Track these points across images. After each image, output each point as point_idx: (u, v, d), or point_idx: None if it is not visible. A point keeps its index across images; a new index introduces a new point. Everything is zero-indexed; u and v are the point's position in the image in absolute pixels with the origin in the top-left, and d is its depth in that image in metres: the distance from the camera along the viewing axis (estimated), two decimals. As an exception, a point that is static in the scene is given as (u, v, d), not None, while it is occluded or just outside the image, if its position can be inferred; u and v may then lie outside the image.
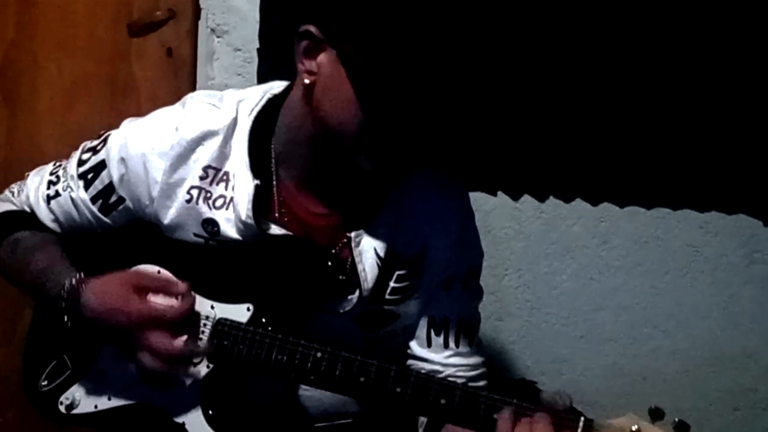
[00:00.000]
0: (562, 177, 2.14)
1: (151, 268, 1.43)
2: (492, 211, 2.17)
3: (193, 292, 1.35)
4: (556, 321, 2.23)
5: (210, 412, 1.36)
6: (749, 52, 2.03)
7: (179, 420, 1.37)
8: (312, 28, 1.26)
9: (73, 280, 1.37)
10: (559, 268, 2.20)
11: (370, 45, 1.21)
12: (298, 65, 1.29)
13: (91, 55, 2.18)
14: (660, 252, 2.19)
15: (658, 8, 2.02)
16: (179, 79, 2.16)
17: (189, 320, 1.34)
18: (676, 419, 1.11)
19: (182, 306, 1.32)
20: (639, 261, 2.20)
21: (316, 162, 1.37)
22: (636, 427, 1.10)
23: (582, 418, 1.16)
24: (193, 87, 2.15)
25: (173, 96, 2.12)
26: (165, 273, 1.39)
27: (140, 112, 2.07)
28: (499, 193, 2.17)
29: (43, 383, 1.48)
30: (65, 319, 1.37)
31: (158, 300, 1.33)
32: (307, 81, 1.28)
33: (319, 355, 1.29)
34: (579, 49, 2.05)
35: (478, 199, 2.15)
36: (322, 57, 1.26)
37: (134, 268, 1.41)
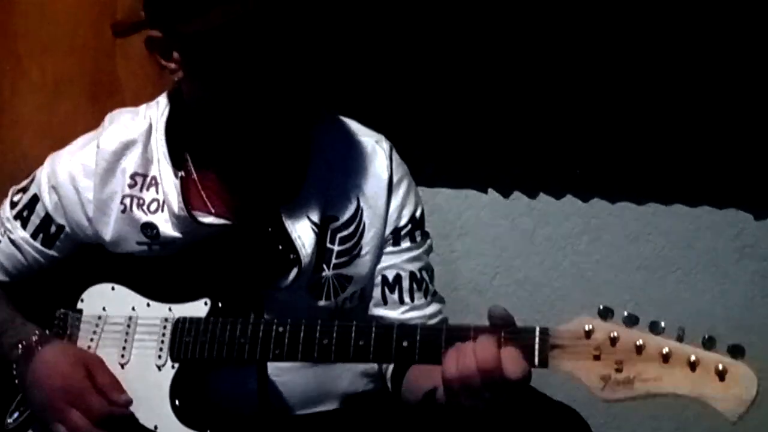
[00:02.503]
0: (552, 173, 2.14)
1: (104, 288, 1.45)
2: (483, 208, 2.17)
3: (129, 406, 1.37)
4: (549, 319, 2.19)
5: (182, 411, 1.36)
6: (738, 49, 2.04)
7: (151, 425, 1.37)
8: (152, 33, 1.36)
9: (33, 338, 1.40)
10: (551, 265, 2.19)
11: (191, 17, 1.28)
12: (162, 70, 1.39)
13: (74, 55, 2.15)
14: (651, 247, 2.20)
15: (642, 4, 2.02)
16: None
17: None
18: (626, 312, 1.14)
19: (116, 412, 1.35)
20: (631, 257, 2.20)
21: (226, 144, 1.43)
22: (589, 326, 1.13)
23: (537, 328, 1.17)
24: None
25: (157, 96, 2.11)
26: (114, 378, 1.39)
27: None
28: (490, 190, 2.16)
29: (8, 420, 1.46)
30: (13, 372, 1.40)
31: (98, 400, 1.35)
32: (176, 78, 1.38)
33: (281, 329, 1.31)
34: (568, 48, 2.05)
35: (468, 196, 2.16)
36: (175, 53, 1.36)
37: (95, 354, 1.42)
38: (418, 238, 1.54)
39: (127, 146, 1.46)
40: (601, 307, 1.14)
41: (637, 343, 1.10)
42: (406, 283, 1.52)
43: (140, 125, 1.48)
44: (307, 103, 1.42)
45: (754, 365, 1.07)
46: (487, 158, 2.12)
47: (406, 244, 1.52)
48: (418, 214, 1.55)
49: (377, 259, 1.51)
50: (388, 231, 1.51)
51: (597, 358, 1.11)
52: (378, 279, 1.52)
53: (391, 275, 1.52)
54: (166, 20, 1.33)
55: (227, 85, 1.33)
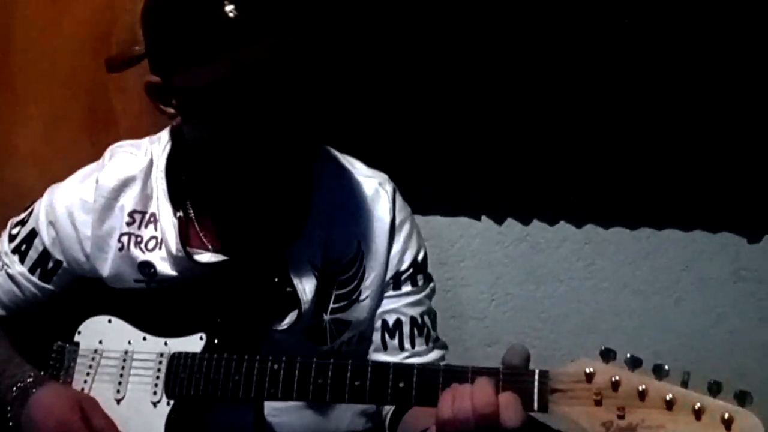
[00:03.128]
0: (545, 200, 2.14)
1: (101, 321, 1.45)
2: (477, 235, 2.17)
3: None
4: (545, 345, 2.22)
5: None
6: (728, 78, 2.05)
7: None
8: (151, 78, 1.33)
9: (28, 379, 1.39)
10: (547, 292, 2.19)
11: (190, 66, 1.26)
12: (161, 114, 1.37)
13: (71, 89, 2.17)
14: (646, 272, 2.19)
15: (632, 35, 2.04)
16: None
17: None
18: (628, 355, 1.10)
19: None
20: (626, 282, 2.20)
21: (227, 183, 1.41)
22: (590, 369, 1.09)
23: (537, 371, 1.14)
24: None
25: (153, 130, 2.12)
26: (109, 420, 1.38)
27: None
28: (483, 217, 2.16)
29: None
30: (8, 415, 1.38)
31: None
32: (175, 123, 1.39)
33: (275, 366, 1.29)
34: (560, 77, 2.06)
35: (462, 224, 2.16)
36: (174, 99, 1.33)
37: (90, 395, 1.41)
38: (420, 282, 1.51)
39: (126, 183, 1.45)
40: (603, 349, 1.11)
41: (640, 389, 1.06)
42: (406, 329, 1.48)
43: (140, 161, 1.47)
44: (309, 142, 1.39)
45: (762, 413, 1.03)
46: (480, 185, 2.12)
47: (407, 288, 1.49)
48: (420, 257, 1.52)
49: (377, 303, 1.48)
50: (389, 275, 1.48)
51: (598, 403, 1.08)
52: (378, 323, 1.49)
53: (391, 320, 1.48)
54: (166, 67, 1.31)
55: (228, 130, 1.31)
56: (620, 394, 1.07)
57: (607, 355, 1.10)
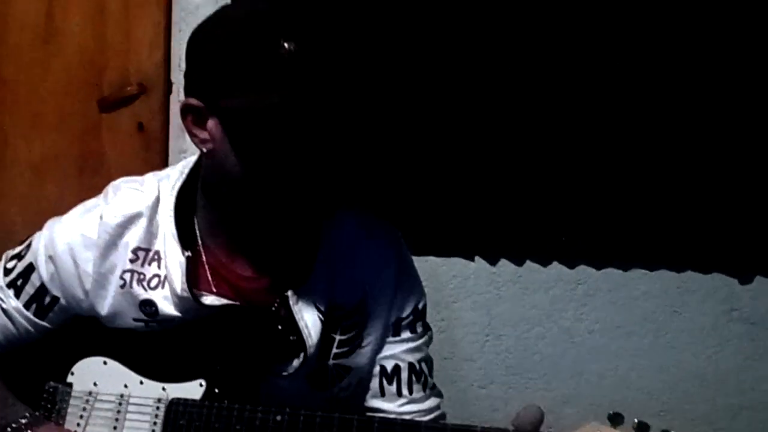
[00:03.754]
0: (538, 241, 2.14)
1: (96, 362, 1.41)
2: (470, 276, 2.16)
3: None
4: (538, 386, 2.21)
5: None
6: (716, 116, 2.07)
7: None
8: (190, 101, 1.29)
9: (22, 420, 1.36)
10: (540, 332, 2.19)
11: (239, 93, 1.24)
12: (192, 139, 1.32)
13: (62, 131, 2.17)
14: (639, 313, 2.19)
15: (614, 77, 2.06)
16: (151, 153, 2.15)
17: None
18: (636, 420, 1.11)
19: None
20: (618, 323, 2.19)
21: (239, 225, 1.38)
22: None
23: None
24: (164, 160, 2.14)
25: (145, 171, 2.10)
26: None
27: (112, 188, 2.09)
28: (477, 258, 2.16)
29: None
30: None
31: None
32: (204, 150, 1.31)
33: (279, 418, 1.27)
34: (550, 121, 2.07)
35: (456, 264, 2.15)
36: (210, 123, 1.29)
37: None
38: (419, 330, 1.49)
39: (131, 220, 1.40)
40: (611, 414, 1.12)
41: None
42: (404, 375, 1.47)
43: (147, 198, 1.42)
44: (330, 192, 1.37)
45: None
46: (474, 226, 2.12)
47: (406, 334, 1.47)
48: (420, 305, 1.50)
49: (378, 350, 1.47)
50: (389, 321, 1.46)
51: None
52: (376, 369, 1.47)
53: (389, 366, 1.46)
54: (216, 90, 1.28)
55: (265, 159, 1.28)
56: None
57: (616, 419, 1.12)
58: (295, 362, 1.38)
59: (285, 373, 1.38)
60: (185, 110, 1.31)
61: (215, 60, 1.27)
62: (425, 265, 2.12)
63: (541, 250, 2.15)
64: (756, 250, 2.14)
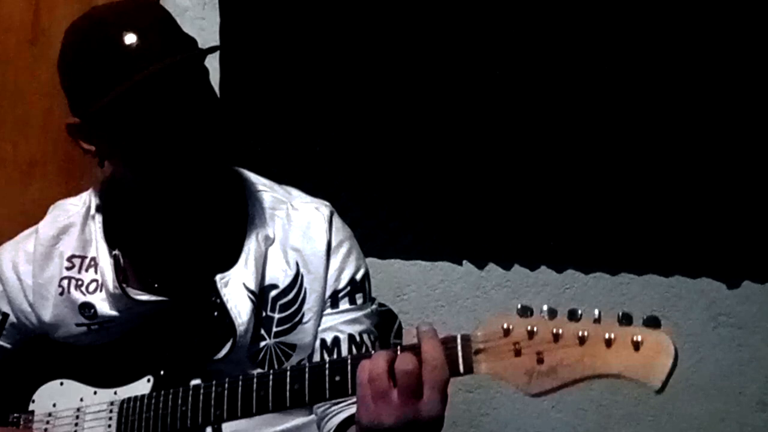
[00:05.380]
0: (526, 245, 2.14)
1: (53, 386, 1.46)
2: (458, 280, 2.16)
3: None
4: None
5: None
6: (708, 122, 2.07)
7: None
8: (69, 120, 1.40)
9: None
10: (527, 337, 2.18)
11: (98, 96, 1.31)
12: (85, 154, 1.42)
13: (48, 134, 2.16)
14: (626, 318, 2.19)
15: (605, 79, 2.06)
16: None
17: None
18: (545, 306, 1.11)
19: None
20: (606, 327, 2.19)
21: (156, 218, 1.45)
22: (507, 324, 1.11)
23: (459, 336, 1.14)
24: (151, 164, 2.13)
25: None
26: None
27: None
28: (465, 262, 2.16)
29: None
30: None
31: None
32: (97, 158, 1.42)
33: (219, 389, 1.30)
34: (539, 123, 2.08)
35: (443, 268, 2.15)
36: (90, 134, 1.39)
37: None
38: (359, 301, 1.51)
39: (64, 230, 1.49)
40: (520, 306, 1.12)
41: (554, 332, 1.08)
42: (344, 347, 1.47)
43: (78, 208, 1.51)
44: (221, 166, 1.45)
45: (670, 331, 1.06)
46: (461, 231, 2.12)
47: (344, 305, 1.49)
48: (358, 276, 1.51)
49: (320, 324, 1.49)
50: (327, 294, 1.48)
51: (518, 353, 1.09)
52: (317, 344, 1.48)
53: (329, 338, 1.48)
54: (82, 105, 1.36)
55: (138, 156, 1.36)
56: (536, 341, 1.09)
57: (525, 311, 1.12)
58: (228, 344, 1.41)
59: (221, 357, 1.41)
60: (69, 130, 1.41)
61: (72, 74, 1.37)
62: (413, 270, 2.12)
63: (529, 254, 2.15)
64: (744, 255, 2.15)
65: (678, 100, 2.06)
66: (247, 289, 1.42)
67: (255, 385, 1.27)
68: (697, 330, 2.20)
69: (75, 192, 2.00)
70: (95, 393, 1.42)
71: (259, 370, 1.44)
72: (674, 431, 2.24)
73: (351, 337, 1.48)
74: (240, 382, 1.28)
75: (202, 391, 1.31)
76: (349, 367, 1.20)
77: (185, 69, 1.33)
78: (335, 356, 1.47)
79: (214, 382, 1.31)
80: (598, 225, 2.11)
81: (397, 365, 1.12)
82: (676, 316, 2.19)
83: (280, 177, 1.58)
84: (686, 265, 2.16)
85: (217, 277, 1.42)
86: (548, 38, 2.05)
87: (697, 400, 2.23)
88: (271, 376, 1.26)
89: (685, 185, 2.10)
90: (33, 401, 1.46)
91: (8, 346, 1.52)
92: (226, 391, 1.29)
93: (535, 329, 1.09)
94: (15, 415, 1.46)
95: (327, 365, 1.23)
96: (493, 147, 2.08)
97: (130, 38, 1.30)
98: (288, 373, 1.25)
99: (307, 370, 1.24)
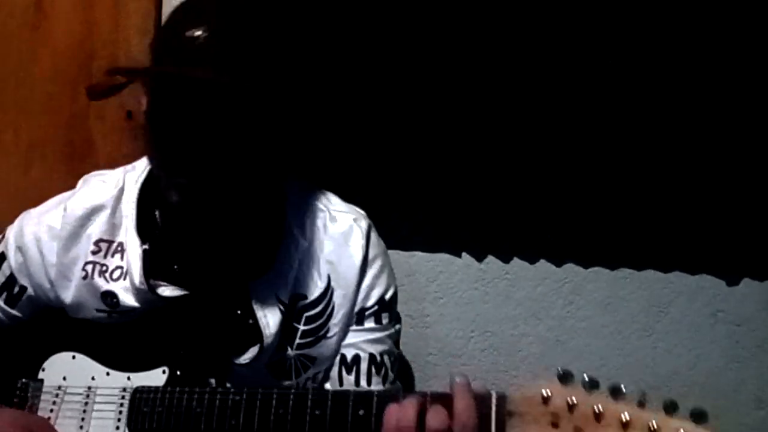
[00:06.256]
0: (526, 238, 2.14)
1: (65, 357, 1.44)
2: (457, 272, 2.16)
3: None
4: (523, 383, 2.20)
5: None
6: (709, 119, 2.07)
7: None
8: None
9: None
10: (525, 330, 2.18)
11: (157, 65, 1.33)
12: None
13: (49, 118, 2.16)
14: (625, 313, 2.19)
15: (609, 73, 2.05)
16: (139, 141, 2.13)
17: None
18: (586, 376, 1.09)
19: None
20: (604, 322, 2.19)
21: (196, 214, 1.40)
22: (547, 392, 1.08)
23: (494, 393, 1.13)
24: (153, 150, 2.13)
25: (133, 159, 2.09)
26: None
27: (99, 176, 2.07)
28: (464, 254, 2.15)
29: None
30: None
31: None
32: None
33: (237, 398, 1.28)
34: (540, 115, 2.07)
35: (442, 260, 2.15)
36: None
37: (46, 423, 1.40)
38: (384, 321, 1.49)
39: (94, 211, 1.45)
40: (561, 371, 1.11)
41: (596, 410, 1.06)
42: (364, 366, 1.46)
43: (110, 190, 1.47)
44: (271, 171, 1.40)
45: (717, 428, 1.04)
46: (461, 223, 2.12)
47: (369, 324, 1.48)
48: (387, 296, 1.50)
49: (343, 340, 1.48)
50: (354, 310, 1.47)
51: (555, 425, 1.07)
52: (337, 358, 1.47)
53: (350, 355, 1.47)
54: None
55: (151, 146, 1.37)
56: (576, 416, 1.07)
57: (565, 377, 1.10)
58: (252, 352, 1.40)
59: (242, 362, 1.39)
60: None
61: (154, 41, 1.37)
62: (411, 261, 2.12)
63: (529, 247, 2.14)
64: (744, 252, 2.14)
65: (677, 97, 2.05)
66: (279, 299, 1.41)
67: (274, 401, 1.25)
68: (695, 326, 2.19)
69: (76, 177, 2.00)
70: (108, 374, 1.40)
71: (286, 382, 1.44)
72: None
73: (372, 357, 1.47)
74: (259, 395, 1.27)
75: (218, 396, 1.30)
76: (374, 403, 1.20)
77: (203, 87, 1.28)
78: (353, 374, 1.46)
79: (232, 389, 1.30)
80: (598, 219, 2.11)
81: (428, 420, 1.10)
82: (675, 312, 2.19)
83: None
84: (686, 262, 2.15)
85: (251, 283, 1.40)
86: (548, 31, 2.04)
87: (694, 397, 2.23)
88: (291, 396, 1.25)
89: (685, 181, 2.09)
90: (43, 369, 1.44)
91: (20, 315, 1.49)
92: (243, 402, 1.27)
93: (575, 401, 1.07)
94: (23, 381, 1.45)
95: (351, 396, 1.22)
96: (493, 139, 2.07)
97: (196, 32, 1.27)
98: (309, 395, 1.24)
99: (329, 396, 1.23)
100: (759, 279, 2.16)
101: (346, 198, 1.64)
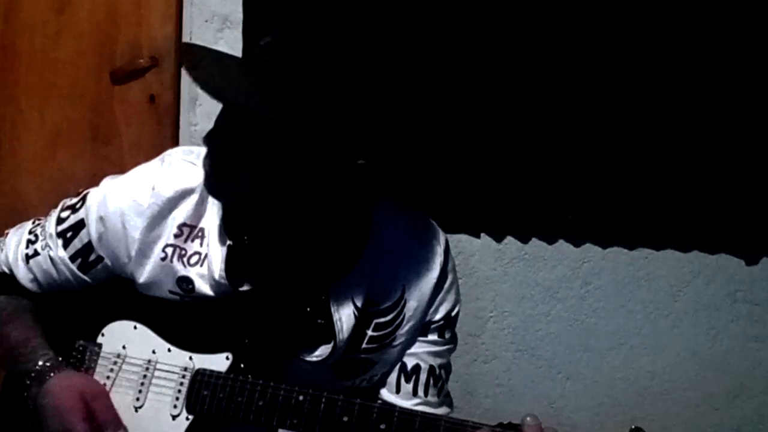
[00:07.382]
0: (544, 218, 2.15)
1: (126, 326, 1.43)
2: (476, 252, 2.17)
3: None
4: (541, 363, 2.22)
5: None
6: (724, 99, 2.06)
7: None
8: None
9: (47, 363, 1.36)
10: (544, 310, 2.20)
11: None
12: None
13: (74, 102, 2.17)
14: (643, 293, 2.20)
15: (626, 52, 2.06)
16: (162, 125, 2.16)
17: None
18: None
19: None
20: (622, 302, 2.20)
21: (283, 214, 1.37)
22: None
23: None
24: (175, 133, 2.15)
25: (156, 143, 2.12)
26: (114, 416, 1.37)
27: (122, 160, 2.10)
28: (483, 235, 2.17)
29: None
30: (26, 395, 1.36)
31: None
32: None
33: (300, 398, 1.28)
34: (559, 97, 2.08)
35: (461, 241, 2.16)
36: None
37: (100, 389, 1.39)
38: (447, 336, 1.50)
39: (183, 195, 1.41)
40: (633, 428, 1.12)
41: None
42: (423, 376, 1.47)
43: (201, 174, 1.40)
44: (362, 180, 1.38)
45: None
46: (480, 204, 2.13)
47: (433, 337, 1.47)
48: (453, 313, 1.50)
49: (407, 349, 1.47)
50: (421, 322, 1.46)
51: None
52: (396, 365, 1.47)
53: (410, 364, 1.47)
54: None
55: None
56: None
57: None
58: (322, 351, 1.39)
59: (312, 360, 1.39)
60: None
61: None
62: (431, 241, 2.13)
63: (547, 228, 2.16)
64: (763, 232, 2.14)
65: (698, 79, 2.05)
66: (355, 304, 1.40)
67: (338, 409, 1.26)
68: (713, 306, 2.20)
69: (100, 160, 2.01)
70: (169, 350, 1.39)
71: (345, 382, 1.44)
72: (688, 406, 2.25)
73: (431, 368, 1.47)
74: (324, 399, 1.27)
75: (282, 392, 1.30)
76: (441, 429, 1.21)
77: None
78: (411, 383, 1.46)
79: (296, 388, 1.29)
80: (616, 199, 2.11)
81: None
82: (693, 292, 2.19)
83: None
84: (704, 241, 2.15)
85: (330, 285, 1.39)
86: (562, 21, 2.04)
87: (711, 377, 2.24)
88: (357, 406, 1.26)
89: (705, 161, 2.09)
90: (103, 334, 1.43)
91: (90, 281, 1.47)
92: (307, 403, 1.28)
93: None
94: (82, 342, 1.44)
95: (419, 417, 1.23)
96: (513, 119, 2.08)
97: (277, 33, 1.28)
98: (375, 409, 1.25)
99: (396, 413, 1.24)
100: (777, 259, 2.17)
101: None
